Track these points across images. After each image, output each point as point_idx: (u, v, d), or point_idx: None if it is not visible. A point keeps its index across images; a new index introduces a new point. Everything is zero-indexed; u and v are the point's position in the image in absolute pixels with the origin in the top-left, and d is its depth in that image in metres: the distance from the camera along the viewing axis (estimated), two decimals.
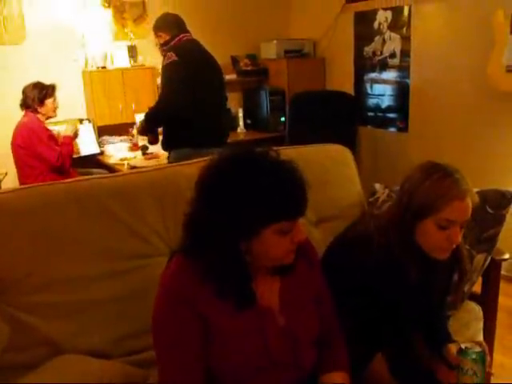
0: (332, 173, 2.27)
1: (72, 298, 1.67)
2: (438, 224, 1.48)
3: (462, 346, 1.46)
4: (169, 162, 3.27)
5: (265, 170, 1.24)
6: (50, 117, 3.96)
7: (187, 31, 3.35)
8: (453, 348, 1.50)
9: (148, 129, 3.41)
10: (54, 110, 3.93)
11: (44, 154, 3.77)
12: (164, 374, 1.31)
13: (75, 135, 4.07)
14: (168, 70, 3.22)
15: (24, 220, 1.64)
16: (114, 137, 4.62)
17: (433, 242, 1.52)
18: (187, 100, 3.18)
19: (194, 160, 2.02)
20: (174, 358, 1.29)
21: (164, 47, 3.30)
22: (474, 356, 1.42)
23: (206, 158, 2.03)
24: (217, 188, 1.26)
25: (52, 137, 3.93)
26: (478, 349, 1.44)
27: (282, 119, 5.12)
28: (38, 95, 3.78)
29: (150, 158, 3.76)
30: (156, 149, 3.71)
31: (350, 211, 2.21)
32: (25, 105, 3.82)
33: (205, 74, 3.28)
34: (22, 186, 1.81)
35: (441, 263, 1.58)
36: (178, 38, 3.26)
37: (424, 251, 1.55)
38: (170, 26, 3.31)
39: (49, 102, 3.85)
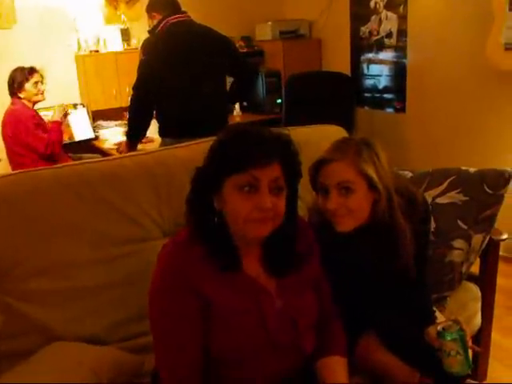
0: None
1: (66, 284, 1.66)
2: (320, 191, 1.55)
3: (439, 328, 1.44)
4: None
5: (235, 131, 1.30)
6: (37, 101, 3.86)
7: (178, 11, 3.23)
8: (432, 330, 1.48)
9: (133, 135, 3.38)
10: (38, 93, 3.81)
11: (32, 144, 3.70)
12: (161, 353, 1.31)
13: (64, 117, 3.99)
14: (138, 67, 3.21)
15: (15, 206, 1.62)
16: (108, 121, 4.58)
17: (324, 211, 1.55)
18: (149, 97, 3.17)
19: (187, 143, 1.99)
20: (172, 338, 1.28)
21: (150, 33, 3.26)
22: (452, 336, 1.40)
23: (198, 141, 2.02)
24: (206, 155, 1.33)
25: (39, 124, 3.84)
26: (454, 328, 1.42)
27: (279, 101, 5.07)
28: (16, 79, 3.71)
29: (145, 142, 3.72)
30: (151, 133, 3.66)
31: None
32: (10, 91, 3.76)
33: (185, 61, 3.14)
34: (13, 172, 1.79)
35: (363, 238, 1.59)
36: (165, 21, 3.17)
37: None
38: (160, 7, 3.22)
39: (28, 85, 3.74)
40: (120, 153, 3.46)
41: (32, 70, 3.76)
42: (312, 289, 1.46)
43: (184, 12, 3.24)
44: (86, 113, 4.47)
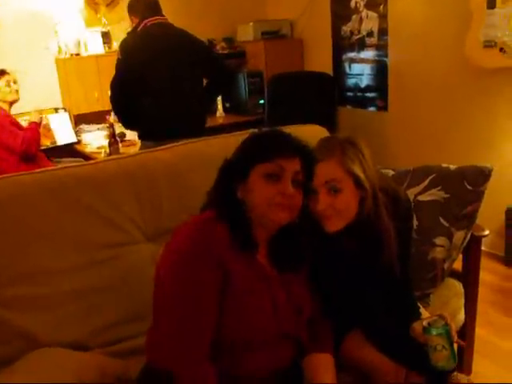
0: None
1: (48, 290, 1.65)
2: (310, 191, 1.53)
3: (424, 323, 1.45)
4: None
5: (262, 130, 1.51)
6: (13, 100, 3.79)
7: (157, 13, 3.23)
8: (418, 326, 1.49)
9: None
10: (12, 91, 3.74)
11: (6, 141, 3.62)
12: (168, 333, 1.30)
13: (40, 122, 3.92)
14: (115, 67, 3.22)
15: None
16: (91, 125, 4.55)
17: (313, 212, 1.54)
18: (125, 96, 3.16)
19: (168, 145, 1.99)
20: (190, 308, 1.29)
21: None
22: (437, 331, 1.41)
23: (178, 143, 2.02)
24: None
25: (14, 123, 3.76)
26: (439, 323, 1.43)
27: (261, 102, 5.06)
28: None
29: (127, 146, 3.71)
30: (133, 136, 3.66)
31: None
32: None
33: (164, 63, 3.15)
34: None
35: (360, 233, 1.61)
36: (143, 22, 3.16)
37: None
38: (138, 9, 3.22)
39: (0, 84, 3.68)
40: None
41: (2, 72, 3.72)
42: (307, 284, 1.53)
43: (162, 15, 3.24)
44: (67, 117, 4.43)
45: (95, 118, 4.56)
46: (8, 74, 3.75)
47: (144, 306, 1.62)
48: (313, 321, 1.53)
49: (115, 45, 4.64)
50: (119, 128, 3.99)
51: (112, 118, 4.26)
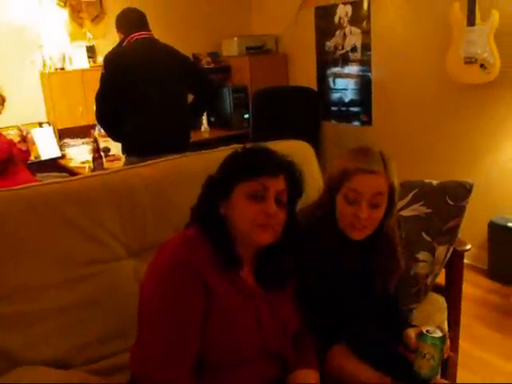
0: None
1: (29, 307, 1.62)
2: (345, 197, 1.54)
3: (423, 329, 1.47)
4: None
5: (247, 146, 1.47)
6: None
7: (143, 29, 3.24)
8: (412, 332, 1.51)
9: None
10: None
11: None
12: (157, 347, 1.29)
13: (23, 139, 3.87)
14: (100, 80, 3.23)
15: None
16: (75, 139, 4.53)
17: (344, 218, 1.56)
18: (110, 110, 3.17)
19: (151, 161, 1.99)
20: (173, 327, 1.29)
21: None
22: (434, 341, 1.43)
23: (161, 159, 2.02)
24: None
25: None
26: (439, 334, 1.44)
27: (246, 116, 5.09)
28: None
29: (111, 161, 3.69)
30: (117, 151, 3.65)
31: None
32: None
33: (148, 78, 3.15)
34: None
35: (374, 248, 1.63)
36: (129, 37, 3.17)
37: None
38: (123, 25, 3.23)
39: None
40: None
41: None
42: (292, 300, 1.52)
43: (148, 30, 3.25)
44: (52, 131, 4.42)
45: (79, 132, 4.55)
46: None
47: (127, 322, 1.62)
48: (297, 335, 1.52)
49: (100, 59, 4.63)
50: (103, 142, 3.99)
51: (96, 132, 4.25)
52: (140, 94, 3.10)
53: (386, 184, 1.54)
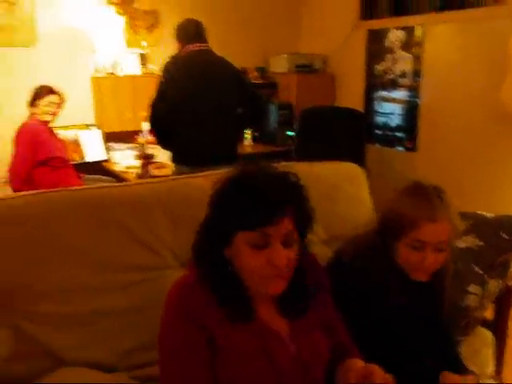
0: (343, 190, 2.25)
1: (75, 308, 1.63)
2: (410, 245, 1.52)
3: (481, 382, 1.43)
4: None
5: (243, 181, 1.24)
6: (45, 121, 3.80)
7: (199, 40, 3.28)
8: (470, 380, 1.47)
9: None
10: (48, 113, 3.77)
11: (14, 157, 3.64)
12: None
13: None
14: (157, 87, 3.27)
15: (29, 227, 1.61)
16: (120, 144, 4.58)
17: (408, 263, 1.55)
18: (165, 117, 3.20)
19: (205, 173, 2.00)
20: (180, 379, 1.24)
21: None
22: None
23: (216, 172, 2.02)
24: (210, 200, 1.29)
25: (41, 142, 3.74)
26: None
27: (290, 133, 5.09)
28: (33, 95, 3.71)
29: (157, 168, 3.72)
30: (163, 158, 3.68)
31: (361, 230, 2.18)
32: (27, 105, 3.74)
33: (202, 89, 3.19)
34: (29, 192, 1.77)
35: (424, 284, 1.60)
36: (186, 48, 3.23)
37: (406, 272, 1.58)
38: (181, 35, 3.29)
39: (39, 103, 3.71)
40: None
41: (50, 90, 3.74)
42: (322, 328, 1.40)
43: (205, 42, 3.29)
44: (99, 134, 4.48)
45: (125, 137, 4.60)
46: (55, 93, 3.79)
47: None
48: (338, 356, 1.40)
49: (151, 67, 4.71)
50: (149, 149, 4.02)
51: (142, 138, 4.30)
52: (193, 104, 3.14)
53: (449, 230, 1.53)
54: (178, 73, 3.18)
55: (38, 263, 1.59)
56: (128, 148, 4.55)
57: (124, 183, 1.95)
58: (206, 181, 1.96)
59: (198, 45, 3.23)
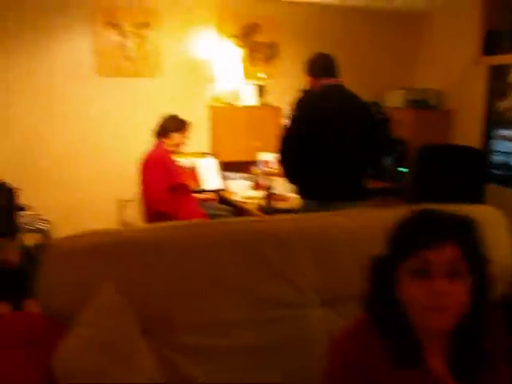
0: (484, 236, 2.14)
1: (215, 342, 1.64)
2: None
3: None
4: (297, 211, 3.24)
5: (410, 215, 1.23)
6: (173, 152, 3.89)
7: (332, 75, 3.26)
8: None
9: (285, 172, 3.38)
10: (178, 145, 3.86)
11: (147, 181, 3.70)
12: None
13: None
14: (289, 121, 3.27)
15: (178, 258, 1.65)
16: (234, 173, 4.65)
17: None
18: (295, 152, 3.17)
19: (351, 212, 1.97)
20: None
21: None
22: None
23: (359, 210, 1.99)
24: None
25: (165, 170, 3.79)
26: None
27: (402, 169, 4.98)
28: (167, 126, 3.80)
29: (277, 200, 3.70)
30: (280, 190, 3.69)
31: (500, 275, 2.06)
32: (156, 133, 3.85)
33: (336, 125, 3.15)
34: (175, 223, 1.83)
35: None
36: (320, 82, 3.21)
37: None
38: (314, 69, 3.27)
39: (175, 135, 3.80)
40: None
41: (186, 125, 3.85)
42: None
43: (337, 76, 3.27)
44: (215, 163, 4.57)
45: (238, 166, 4.67)
46: (188, 128, 3.91)
47: (309, 373, 1.58)
48: None
49: (268, 98, 4.77)
50: (266, 180, 4.05)
51: (258, 169, 4.34)
52: (326, 140, 3.12)
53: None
54: (311, 107, 3.18)
55: (181, 294, 1.62)
56: (242, 178, 4.60)
57: (266, 218, 1.96)
58: (347, 219, 1.94)
59: (331, 79, 3.22)
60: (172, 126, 3.76)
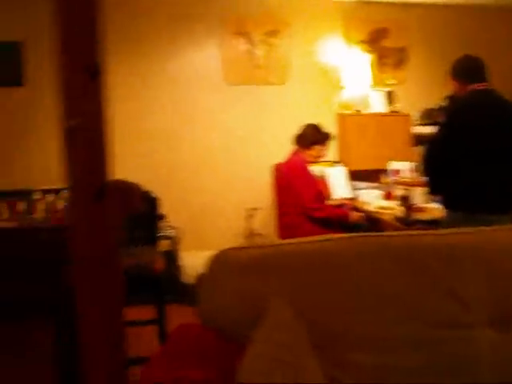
0: None
1: (378, 360, 1.55)
2: None
3: None
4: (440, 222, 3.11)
5: None
6: (311, 162, 3.93)
7: (482, 79, 3.08)
8: None
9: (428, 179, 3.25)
10: (317, 157, 3.89)
11: (298, 190, 3.74)
12: None
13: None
14: (438, 128, 3.16)
15: (344, 272, 1.59)
16: (363, 182, 4.55)
17: None
18: (442, 160, 3.05)
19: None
20: None
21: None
22: None
23: None
24: None
25: (312, 178, 3.88)
26: None
27: None
28: (310, 137, 3.81)
29: (416, 211, 3.57)
30: (419, 200, 3.55)
31: None
32: (297, 142, 3.86)
33: (488, 132, 2.99)
34: (337, 236, 1.76)
35: None
36: (470, 88, 3.05)
37: None
38: (461, 73, 3.12)
39: (317, 147, 3.83)
40: None
41: (329, 138, 3.84)
42: None
43: (486, 81, 3.10)
44: (344, 171, 4.50)
45: (368, 175, 4.56)
46: (330, 140, 3.94)
47: None
48: None
49: (397, 105, 4.65)
50: (397, 190, 3.93)
51: (387, 179, 4.23)
52: (478, 148, 2.97)
53: None
54: (461, 114, 3.04)
55: (350, 310, 1.56)
56: (370, 187, 4.49)
57: (430, 231, 1.87)
58: None
59: (482, 84, 3.05)
60: (316, 137, 3.75)
